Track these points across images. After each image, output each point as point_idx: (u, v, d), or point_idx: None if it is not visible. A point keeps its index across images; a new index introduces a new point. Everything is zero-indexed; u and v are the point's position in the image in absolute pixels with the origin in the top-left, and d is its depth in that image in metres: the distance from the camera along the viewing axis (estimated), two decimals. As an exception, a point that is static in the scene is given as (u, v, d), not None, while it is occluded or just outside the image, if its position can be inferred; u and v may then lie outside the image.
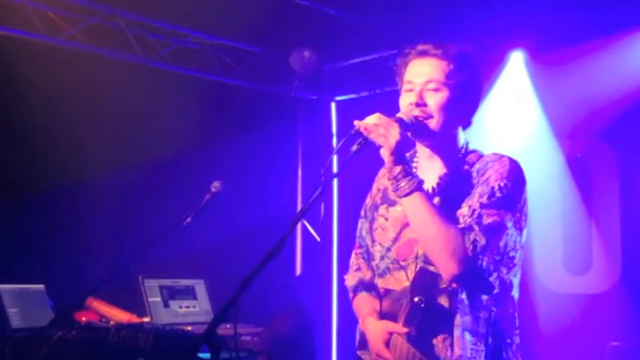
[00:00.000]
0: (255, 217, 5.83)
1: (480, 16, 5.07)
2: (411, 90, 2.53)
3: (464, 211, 2.41)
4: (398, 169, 2.39)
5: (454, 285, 2.42)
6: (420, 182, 2.42)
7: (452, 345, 2.42)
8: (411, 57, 2.57)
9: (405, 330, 2.46)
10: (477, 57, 2.61)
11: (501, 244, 2.40)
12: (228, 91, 6.43)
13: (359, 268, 2.79)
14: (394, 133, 2.37)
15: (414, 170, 2.55)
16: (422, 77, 2.52)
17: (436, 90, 2.50)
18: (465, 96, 2.54)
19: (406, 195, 2.39)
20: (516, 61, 5.74)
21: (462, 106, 2.55)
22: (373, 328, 2.58)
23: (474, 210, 2.39)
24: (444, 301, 2.44)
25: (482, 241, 2.35)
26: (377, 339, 2.54)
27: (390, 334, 2.51)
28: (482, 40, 4.81)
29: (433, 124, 2.50)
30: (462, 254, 2.33)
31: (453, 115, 2.53)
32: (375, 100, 6.41)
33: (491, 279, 2.40)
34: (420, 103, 2.50)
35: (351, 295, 2.81)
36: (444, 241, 2.34)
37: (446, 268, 2.37)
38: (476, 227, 2.36)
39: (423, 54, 2.54)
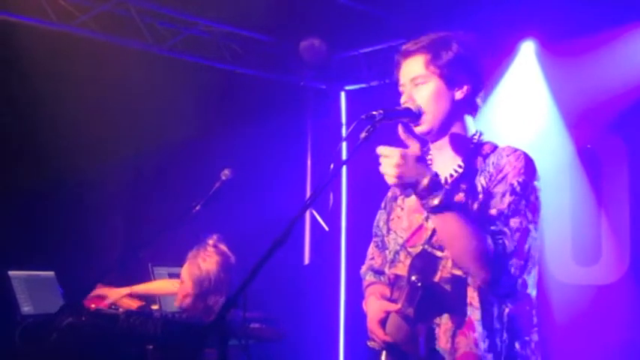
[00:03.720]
0: (264, 206, 5.84)
1: (491, 5, 5.05)
2: (403, 91, 2.57)
3: (492, 212, 2.39)
4: (426, 181, 2.31)
5: (457, 272, 2.42)
6: (452, 202, 2.35)
7: (453, 337, 2.42)
8: (400, 60, 2.60)
9: (399, 307, 2.47)
10: (459, 39, 2.56)
11: (526, 247, 2.39)
12: (238, 79, 6.43)
13: (372, 258, 2.84)
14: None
15: (429, 163, 2.55)
16: (407, 76, 2.55)
17: (421, 84, 2.52)
18: (454, 79, 2.52)
19: (436, 212, 2.34)
20: (527, 51, 5.72)
21: (454, 90, 2.53)
22: (372, 306, 2.62)
23: (500, 213, 2.38)
24: (446, 286, 2.44)
25: (511, 246, 2.34)
26: (373, 318, 2.58)
27: (387, 313, 2.54)
28: (493, 29, 4.80)
29: (427, 118, 2.51)
30: (494, 262, 2.32)
31: (448, 102, 2.52)
32: (385, 89, 6.39)
33: (517, 285, 2.40)
34: (408, 102, 2.52)
35: (362, 282, 2.86)
36: (476, 252, 2.32)
37: (480, 276, 2.37)
38: (506, 231, 2.36)
39: (407, 54, 2.57)
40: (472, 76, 2.57)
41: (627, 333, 5.23)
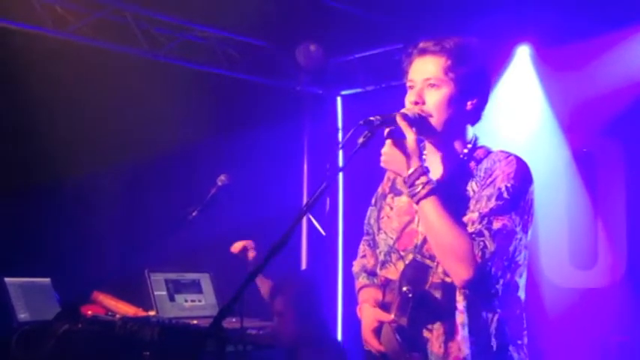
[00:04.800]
0: (261, 211, 5.84)
1: (487, 10, 5.06)
2: (412, 87, 2.53)
3: (473, 216, 2.38)
4: (414, 167, 2.38)
5: (447, 279, 2.42)
6: (435, 188, 2.38)
7: (446, 342, 2.42)
8: (414, 56, 2.55)
9: (392, 318, 2.46)
10: (480, 49, 2.55)
11: (511, 249, 2.38)
12: (234, 85, 6.43)
13: (364, 256, 2.83)
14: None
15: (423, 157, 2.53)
16: (421, 75, 2.51)
17: (435, 87, 2.48)
18: (468, 90, 2.50)
19: (420, 200, 2.38)
20: (522, 56, 5.73)
21: (466, 101, 2.51)
22: (365, 315, 2.61)
23: (483, 216, 2.37)
24: (437, 293, 2.43)
25: (491, 247, 2.33)
26: (366, 327, 2.57)
27: (380, 322, 2.53)
28: (488, 34, 4.79)
29: (434, 122, 2.49)
30: (471, 260, 2.32)
31: (457, 110, 2.50)
32: (381, 94, 6.40)
33: (497, 285, 2.39)
34: (419, 102, 2.49)
35: (355, 281, 2.85)
36: (454, 246, 2.33)
37: (456, 273, 2.35)
38: (486, 233, 2.34)
39: (424, 52, 2.52)
40: (484, 89, 2.56)
41: (624, 336, 5.23)
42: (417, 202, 2.39)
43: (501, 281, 2.39)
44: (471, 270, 2.32)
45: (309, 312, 3.82)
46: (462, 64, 2.48)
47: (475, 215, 2.38)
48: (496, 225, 2.36)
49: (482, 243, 2.33)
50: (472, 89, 2.51)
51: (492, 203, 2.38)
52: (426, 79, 2.49)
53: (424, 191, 2.37)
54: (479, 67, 2.54)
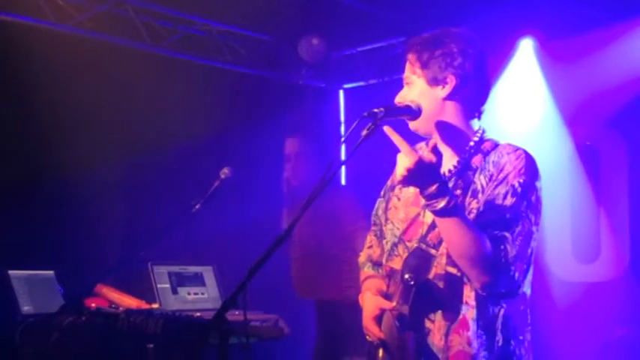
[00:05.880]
0: (264, 204, 5.84)
1: (490, 2, 5.05)
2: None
3: (493, 218, 2.37)
4: (432, 188, 2.27)
5: (451, 270, 2.42)
6: (458, 205, 2.32)
7: (447, 335, 2.42)
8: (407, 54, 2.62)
9: (393, 306, 2.46)
10: (455, 34, 2.53)
11: (529, 251, 2.39)
12: (236, 78, 6.43)
13: (370, 246, 2.84)
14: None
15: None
16: (404, 75, 2.59)
17: (409, 84, 2.55)
18: (437, 77, 2.49)
19: (443, 217, 2.31)
20: (526, 49, 5.72)
21: (439, 87, 2.50)
22: (367, 303, 2.61)
23: (502, 217, 2.36)
24: (440, 283, 2.44)
25: (512, 251, 2.33)
26: (368, 314, 2.58)
27: (382, 310, 2.53)
28: (492, 27, 4.80)
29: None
30: (493, 265, 2.32)
31: (434, 101, 2.51)
32: (383, 87, 6.40)
33: (520, 290, 2.40)
34: (400, 101, 2.55)
35: (360, 271, 2.85)
36: (477, 256, 2.32)
37: (477, 278, 2.36)
38: (508, 236, 2.34)
39: (407, 51, 2.59)
40: (459, 72, 2.50)
41: (627, 329, 5.23)
42: (439, 217, 2.33)
43: (522, 286, 2.40)
44: (493, 274, 2.33)
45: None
46: (422, 56, 2.52)
47: (494, 217, 2.37)
48: (516, 227, 2.36)
49: (504, 247, 2.33)
50: (441, 75, 2.50)
51: (509, 201, 2.38)
52: (404, 77, 2.57)
53: (448, 209, 2.28)
54: (446, 53, 2.50)
